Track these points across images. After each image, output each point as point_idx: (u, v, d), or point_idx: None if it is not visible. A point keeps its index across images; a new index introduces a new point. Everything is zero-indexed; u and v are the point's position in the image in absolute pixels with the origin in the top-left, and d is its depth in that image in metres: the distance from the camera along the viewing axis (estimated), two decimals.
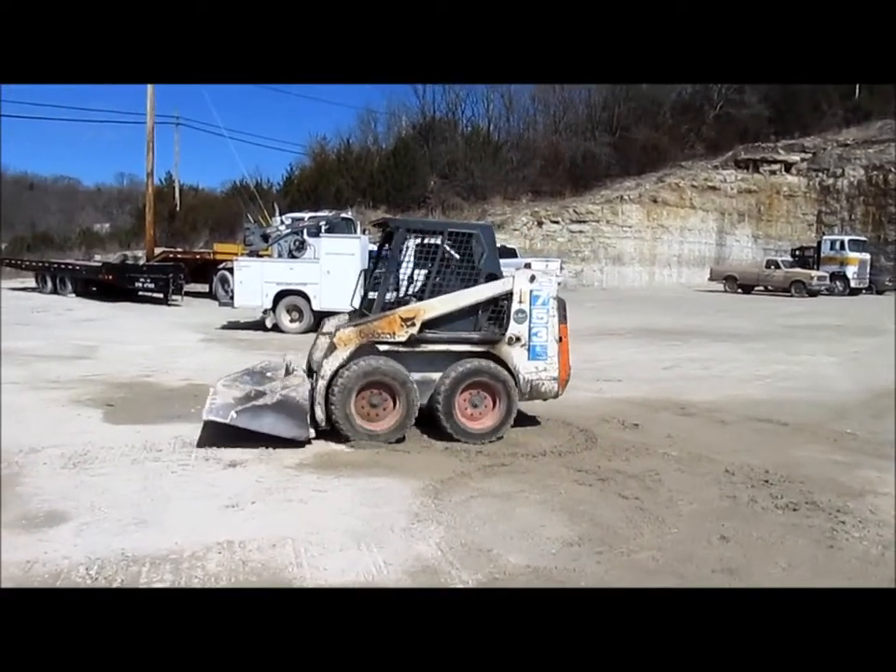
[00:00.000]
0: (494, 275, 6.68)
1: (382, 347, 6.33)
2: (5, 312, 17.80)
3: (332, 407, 6.15)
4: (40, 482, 5.20)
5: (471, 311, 6.59)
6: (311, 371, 6.86)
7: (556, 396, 6.86)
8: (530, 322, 6.61)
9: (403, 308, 6.37)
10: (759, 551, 4.25)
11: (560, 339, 6.74)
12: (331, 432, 6.24)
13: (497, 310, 6.63)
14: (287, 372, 7.07)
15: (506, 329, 6.55)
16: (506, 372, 6.52)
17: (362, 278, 7.61)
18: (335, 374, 6.18)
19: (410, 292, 7.12)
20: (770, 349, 13.05)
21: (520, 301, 6.57)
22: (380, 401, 6.30)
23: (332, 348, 6.27)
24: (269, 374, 7.23)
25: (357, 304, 7.38)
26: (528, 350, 6.64)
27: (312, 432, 6.13)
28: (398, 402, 6.29)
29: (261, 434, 5.92)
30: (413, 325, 6.28)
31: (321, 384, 6.18)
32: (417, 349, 6.42)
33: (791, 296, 28.28)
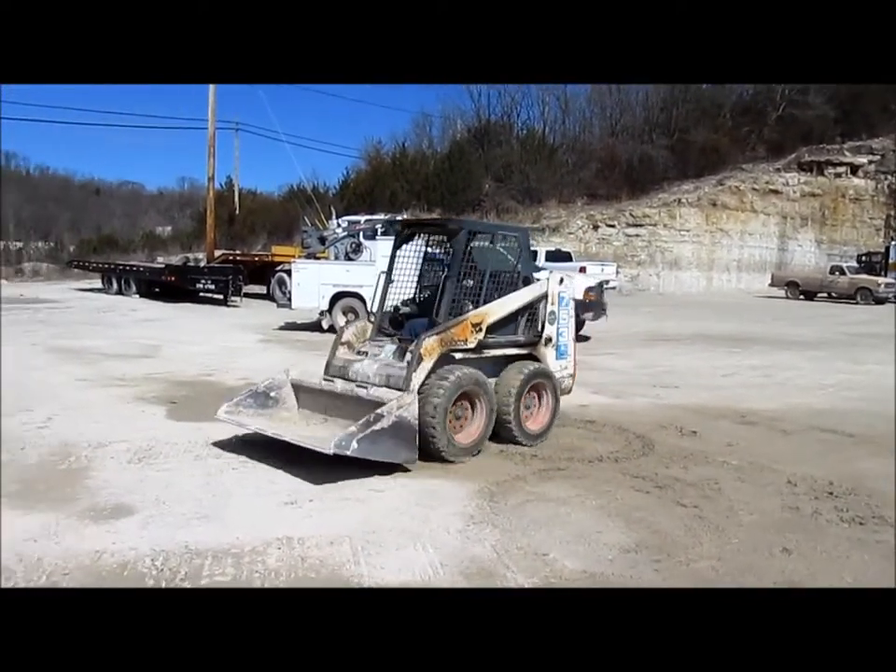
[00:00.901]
0: (527, 279, 6.80)
1: (457, 355, 6.14)
2: (75, 312, 18.45)
3: (429, 421, 5.65)
4: (107, 475, 5.38)
5: (517, 314, 6.66)
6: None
7: (570, 392, 7.17)
8: (558, 323, 6.86)
9: (473, 313, 6.19)
10: (823, 564, 4.14)
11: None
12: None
13: (533, 312, 6.76)
14: (294, 389, 6.44)
15: (542, 331, 6.76)
16: (550, 372, 6.76)
17: (382, 280, 6.91)
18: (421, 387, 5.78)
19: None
20: (834, 358, 12.68)
21: (552, 303, 6.80)
22: (462, 412, 6.02)
23: (419, 360, 5.81)
24: (272, 394, 6.38)
25: (375, 308, 6.87)
26: (556, 349, 6.91)
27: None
28: (477, 411, 6.06)
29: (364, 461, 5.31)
30: (481, 330, 6.21)
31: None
32: (480, 355, 6.35)
33: (857, 303, 27.35)
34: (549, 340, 6.80)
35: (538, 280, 6.87)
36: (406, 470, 5.57)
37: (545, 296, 6.76)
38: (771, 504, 5.13)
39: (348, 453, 5.12)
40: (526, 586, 3.76)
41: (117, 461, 5.72)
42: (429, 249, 7.02)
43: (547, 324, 6.76)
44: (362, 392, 5.97)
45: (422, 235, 7.02)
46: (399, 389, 5.75)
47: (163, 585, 3.67)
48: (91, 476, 5.35)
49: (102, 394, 8.29)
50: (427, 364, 5.86)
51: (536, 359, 6.73)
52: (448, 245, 6.69)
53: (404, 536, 4.37)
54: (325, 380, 6.36)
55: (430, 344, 5.89)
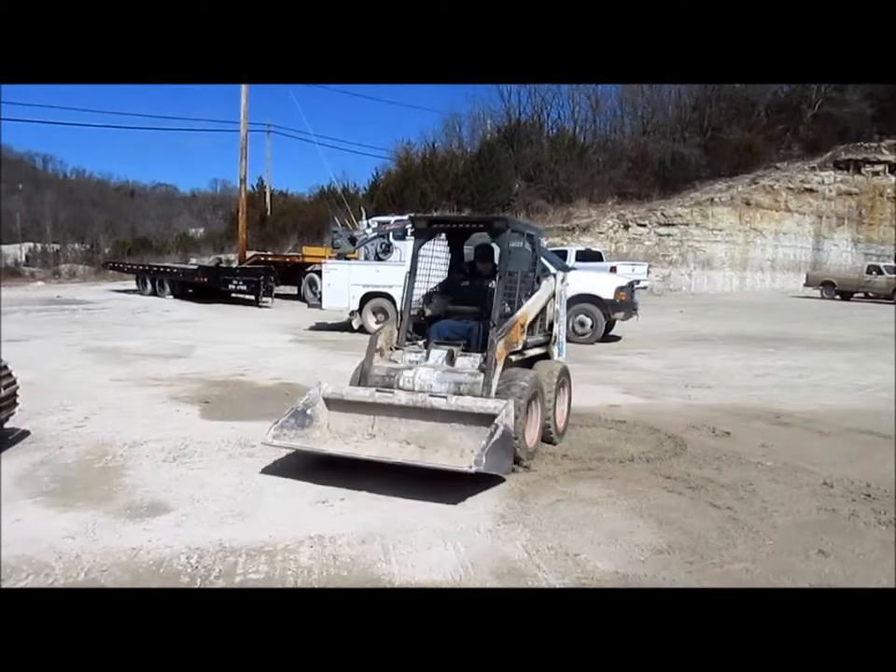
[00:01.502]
0: (539, 278, 6.86)
1: (513, 357, 6.11)
2: (109, 313, 18.76)
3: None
4: (143, 473, 5.46)
5: (540, 314, 6.73)
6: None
7: None
8: (561, 321, 7.03)
9: (519, 314, 6.14)
10: (860, 567, 4.06)
11: None
12: None
13: (543, 311, 6.82)
14: (326, 403, 5.82)
15: (552, 329, 6.93)
16: (569, 370, 6.84)
17: (408, 281, 6.51)
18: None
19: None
20: (871, 358, 12.44)
21: (558, 302, 6.94)
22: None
23: (495, 364, 5.67)
24: (309, 412, 5.75)
25: (403, 310, 6.49)
26: (557, 347, 7.04)
27: None
28: (535, 413, 5.93)
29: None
30: (524, 331, 6.24)
31: None
32: (522, 356, 6.36)
33: (895, 303, 26.86)
34: (556, 338, 6.99)
35: (547, 279, 6.97)
36: (435, 470, 5.58)
37: (554, 295, 6.93)
38: (806, 506, 5.05)
39: (482, 469, 4.75)
40: (558, 587, 3.75)
41: (152, 460, 5.81)
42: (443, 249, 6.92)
43: (555, 322, 6.95)
44: (439, 402, 5.47)
45: (452, 235, 6.82)
46: (476, 396, 5.52)
47: (198, 584, 3.72)
48: (127, 474, 5.44)
49: (137, 393, 8.43)
50: (499, 368, 5.73)
51: (548, 357, 6.88)
52: (484, 243, 6.68)
53: (435, 535, 4.37)
54: (379, 391, 5.68)
55: (500, 349, 5.76)
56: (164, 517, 4.59)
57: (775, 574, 3.94)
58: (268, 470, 5.59)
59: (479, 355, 5.90)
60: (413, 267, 6.50)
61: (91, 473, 5.45)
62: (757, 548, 4.31)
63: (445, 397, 5.53)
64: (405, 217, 19.09)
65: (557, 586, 3.75)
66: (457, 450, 5.40)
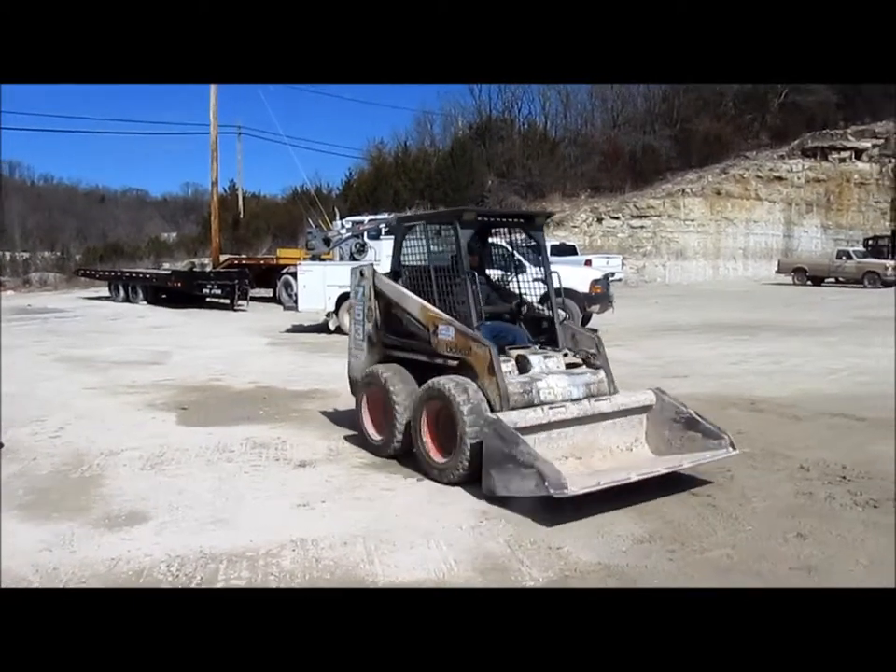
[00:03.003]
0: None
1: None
2: (81, 320, 18.52)
3: None
4: (120, 483, 5.40)
5: None
6: None
7: None
8: None
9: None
10: (838, 548, 4.12)
11: None
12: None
13: None
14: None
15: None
16: None
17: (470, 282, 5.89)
18: None
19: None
20: (843, 343, 12.63)
21: None
22: None
23: (607, 361, 5.89)
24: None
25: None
26: None
27: None
28: None
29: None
30: None
31: None
32: None
33: (865, 287, 27.26)
34: None
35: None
36: (417, 468, 5.57)
37: None
38: (784, 490, 5.11)
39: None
40: (541, 580, 3.76)
41: (129, 468, 5.74)
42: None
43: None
44: (603, 405, 5.40)
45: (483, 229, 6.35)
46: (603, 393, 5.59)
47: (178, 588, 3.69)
48: (105, 484, 5.38)
49: (112, 402, 8.33)
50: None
51: None
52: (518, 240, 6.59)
53: (417, 534, 4.37)
54: (551, 408, 5.20)
55: None
56: (143, 526, 4.54)
57: (754, 559, 3.98)
58: (248, 475, 5.56)
59: (555, 352, 5.80)
60: (464, 266, 5.69)
61: (68, 484, 5.38)
62: (736, 534, 4.36)
63: (608, 399, 5.51)
64: (379, 217, 19.09)
65: (541, 580, 3.76)
66: (607, 450, 5.42)
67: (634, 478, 4.79)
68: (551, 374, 5.56)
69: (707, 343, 12.89)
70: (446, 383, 5.29)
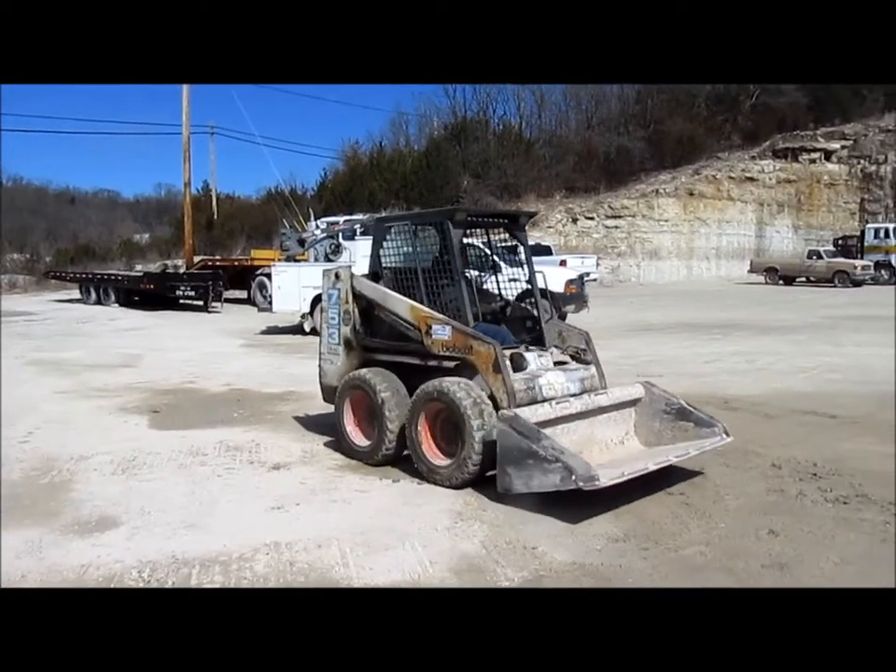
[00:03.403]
0: None
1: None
2: (52, 323, 18.26)
3: None
4: (91, 488, 5.32)
5: None
6: None
7: None
8: None
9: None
10: (810, 545, 4.17)
11: None
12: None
13: None
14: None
15: None
16: None
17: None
18: None
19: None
20: (814, 341, 12.79)
21: None
22: None
23: (597, 357, 5.97)
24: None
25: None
26: None
27: None
28: None
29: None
30: None
31: None
32: None
33: (835, 286, 27.68)
34: None
35: None
36: (392, 470, 5.56)
37: None
38: (756, 488, 5.16)
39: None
40: (516, 580, 3.76)
41: (100, 473, 5.66)
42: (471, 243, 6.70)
43: None
44: (601, 399, 5.46)
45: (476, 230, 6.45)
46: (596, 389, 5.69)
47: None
48: (75, 489, 5.29)
49: (83, 406, 8.21)
50: None
51: None
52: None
53: (392, 535, 4.35)
54: (557, 403, 5.21)
55: None
56: (114, 531, 4.48)
57: (728, 556, 4.02)
58: (221, 479, 5.50)
59: (543, 351, 5.82)
60: (460, 268, 5.72)
61: (37, 489, 5.29)
62: (710, 531, 4.39)
63: (605, 393, 5.60)
64: (354, 217, 19.02)
65: (516, 580, 3.76)
66: (603, 444, 5.49)
67: (652, 467, 4.84)
68: (549, 371, 5.58)
69: (681, 343, 13.00)
70: (448, 384, 5.19)
